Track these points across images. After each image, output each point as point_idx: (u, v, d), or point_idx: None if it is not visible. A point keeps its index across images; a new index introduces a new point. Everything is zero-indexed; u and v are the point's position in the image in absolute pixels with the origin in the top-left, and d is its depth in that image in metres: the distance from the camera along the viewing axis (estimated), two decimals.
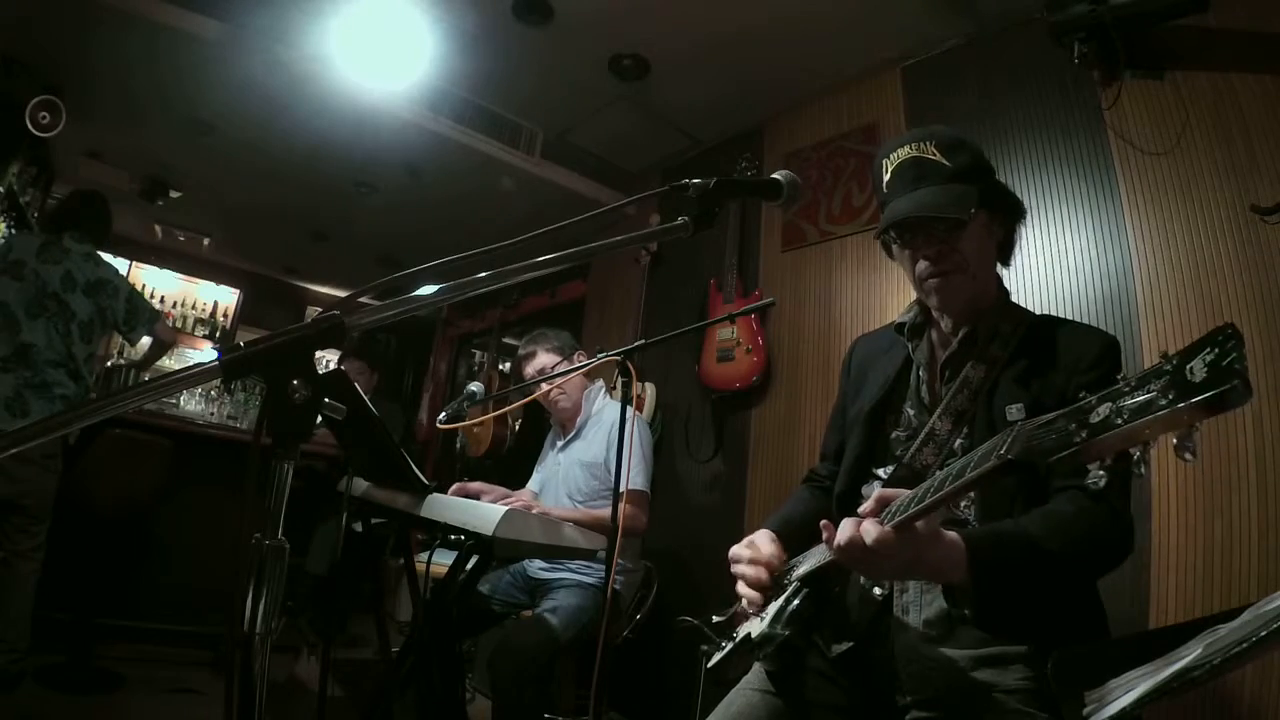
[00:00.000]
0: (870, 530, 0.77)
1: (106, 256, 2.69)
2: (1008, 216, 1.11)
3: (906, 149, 1.07)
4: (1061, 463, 0.59)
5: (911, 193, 1.04)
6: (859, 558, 0.79)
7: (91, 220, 2.62)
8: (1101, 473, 0.57)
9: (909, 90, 2.60)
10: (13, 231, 3.35)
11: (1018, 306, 1.12)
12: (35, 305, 2.39)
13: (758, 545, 1.08)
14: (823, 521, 0.86)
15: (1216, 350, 0.48)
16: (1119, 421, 0.54)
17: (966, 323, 1.07)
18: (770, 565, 1.05)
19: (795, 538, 1.10)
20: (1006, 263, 1.14)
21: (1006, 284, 1.15)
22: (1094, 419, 0.56)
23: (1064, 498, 0.91)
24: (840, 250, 2.67)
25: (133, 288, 2.68)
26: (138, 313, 2.65)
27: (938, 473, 0.75)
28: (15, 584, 2.32)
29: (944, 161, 1.04)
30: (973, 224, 1.03)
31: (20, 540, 2.35)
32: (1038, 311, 1.11)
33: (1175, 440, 0.52)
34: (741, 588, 1.06)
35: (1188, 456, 0.51)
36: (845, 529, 0.80)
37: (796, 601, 1.00)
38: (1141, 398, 0.52)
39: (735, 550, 1.09)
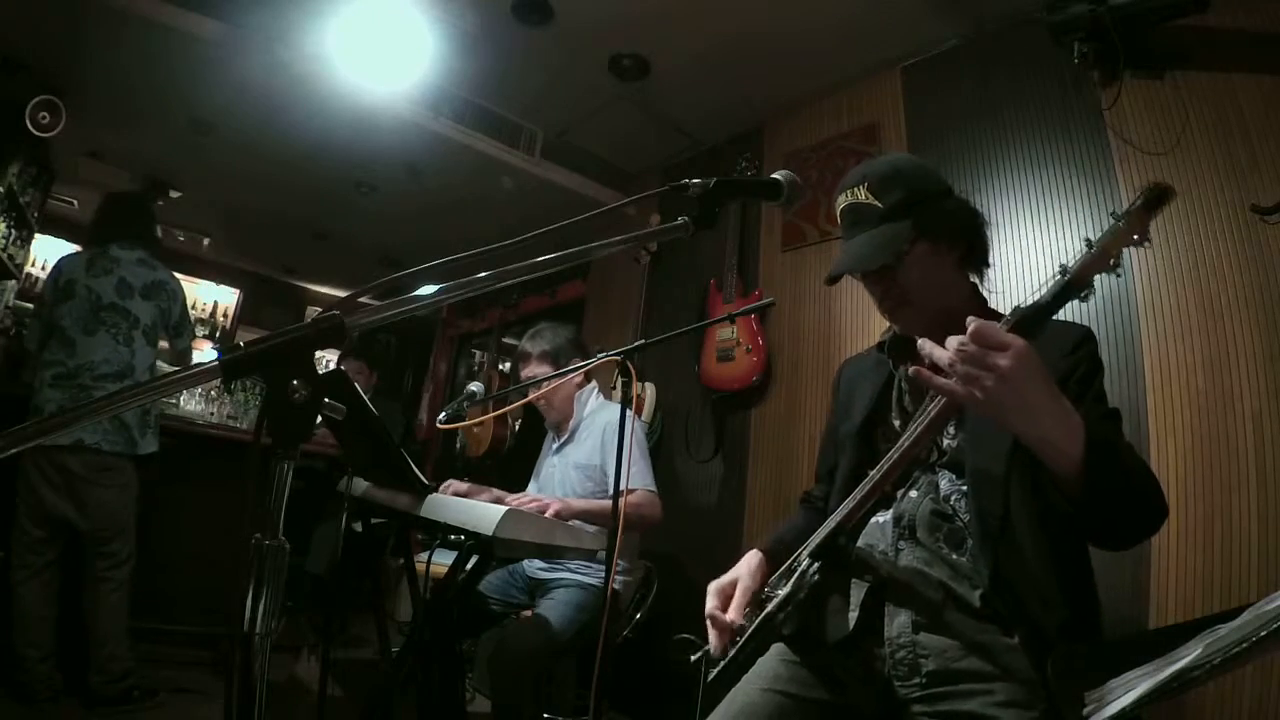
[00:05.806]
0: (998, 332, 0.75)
1: None
2: (960, 233, 1.10)
3: (844, 196, 1.13)
4: (1075, 285, 0.76)
5: (848, 240, 1.11)
6: (978, 360, 0.75)
7: (132, 224, 2.58)
8: (1092, 286, 0.76)
9: (909, 90, 2.60)
10: (10, 233, 3.35)
11: (993, 312, 1.12)
12: (92, 320, 2.35)
13: (736, 582, 1.10)
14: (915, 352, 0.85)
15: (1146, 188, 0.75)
16: (1091, 250, 0.75)
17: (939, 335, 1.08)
18: (733, 618, 1.06)
19: (788, 556, 1.11)
20: (978, 270, 1.14)
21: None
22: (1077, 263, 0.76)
23: None
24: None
25: (185, 298, 2.68)
26: (187, 323, 2.66)
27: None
28: (96, 607, 2.32)
29: (876, 204, 1.08)
30: (911, 257, 1.06)
31: (97, 562, 2.34)
32: None
33: (1136, 237, 0.75)
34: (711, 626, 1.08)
35: (1146, 244, 0.75)
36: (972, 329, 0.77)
37: (816, 576, 1.02)
38: (1105, 232, 0.75)
39: (709, 592, 1.11)
